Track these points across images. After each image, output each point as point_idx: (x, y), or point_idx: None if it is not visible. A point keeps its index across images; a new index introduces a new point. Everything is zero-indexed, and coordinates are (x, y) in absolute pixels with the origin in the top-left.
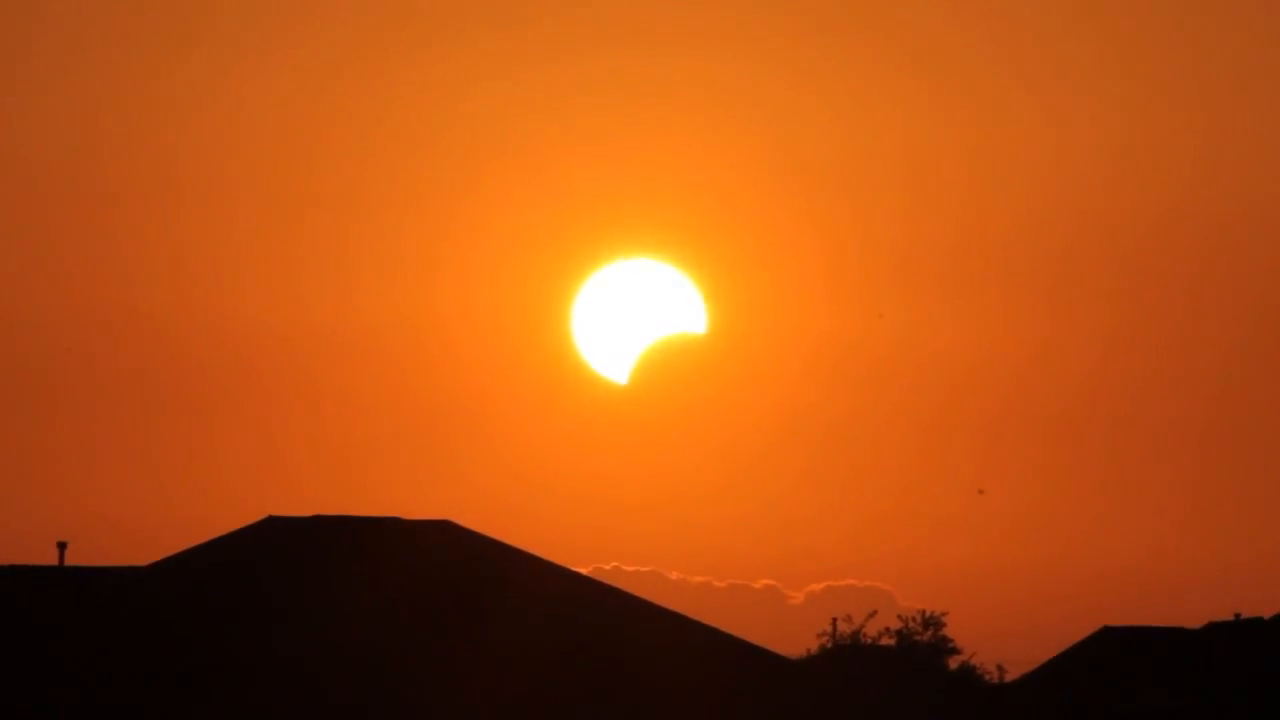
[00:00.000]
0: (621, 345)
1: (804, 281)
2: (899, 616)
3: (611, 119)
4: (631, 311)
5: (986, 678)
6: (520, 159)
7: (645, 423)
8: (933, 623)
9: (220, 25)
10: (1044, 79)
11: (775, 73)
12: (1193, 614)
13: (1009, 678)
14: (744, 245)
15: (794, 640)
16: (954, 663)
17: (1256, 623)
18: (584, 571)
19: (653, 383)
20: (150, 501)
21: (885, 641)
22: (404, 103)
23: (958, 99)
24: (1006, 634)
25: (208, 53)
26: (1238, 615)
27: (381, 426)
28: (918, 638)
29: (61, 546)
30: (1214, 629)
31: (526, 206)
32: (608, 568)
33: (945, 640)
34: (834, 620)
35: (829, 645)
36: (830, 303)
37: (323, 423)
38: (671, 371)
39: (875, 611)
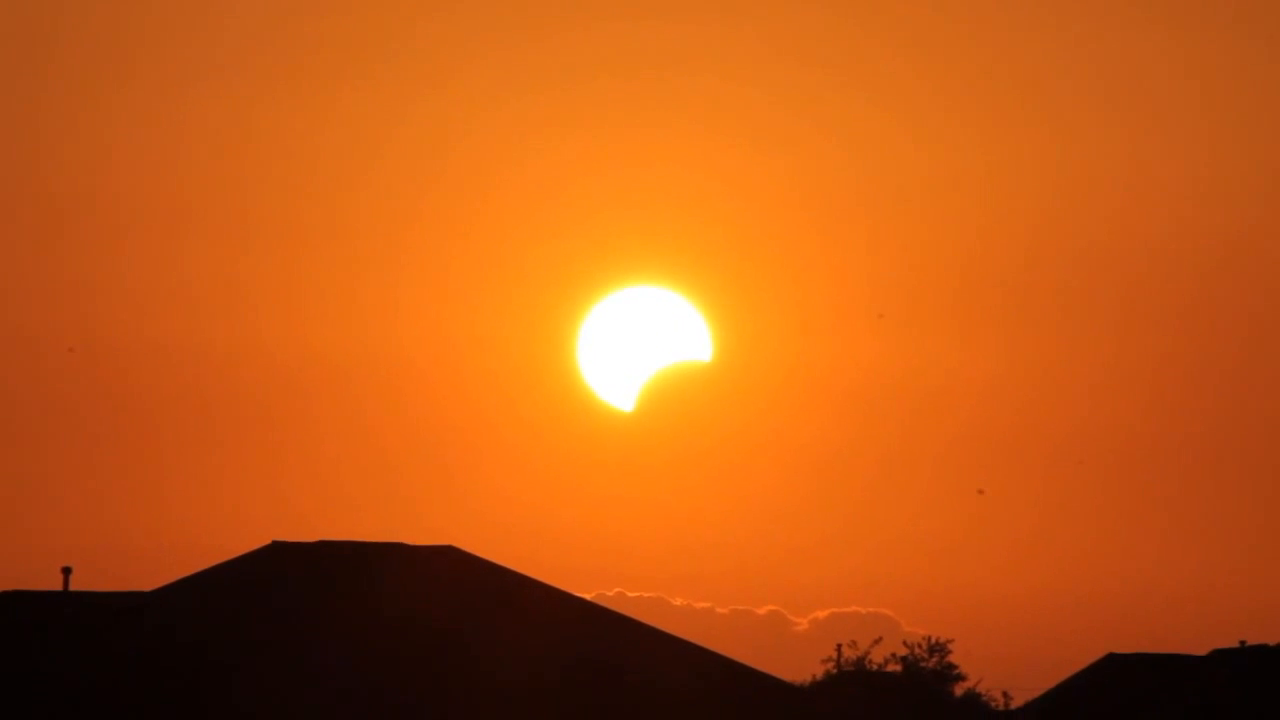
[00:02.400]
0: (627, 373)
1: (807, 310)
2: (904, 643)
3: (616, 146)
4: (637, 339)
5: (992, 704)
6: (526, 186)
7: (650, 450)
8: (938, 649)
9: (220, 48)
10: (1055, 103)
11: (781, 98)
12: (1198, 641)
13: (1014, 704)
14: (749, 273)
15: (799, 667)
16: (960, 689)
17: (1262, 650)
18: (588, 597)
19: (658, 410)
20: (155, 526)
21: (891, 668)
22: (411, 128)
23: (967, 125)
24: (1012, 661)
25: (209, 73)
26: (1243, 642)
27: (386, 452)
28: (923, 664)
29: (66, 571)
30: (1219, 656)
31: (532, 234)
32: (611, 594)
33: (951, 667)
34: (839, 647)
35: (834, 672)
36: (833, 330)
37: (328, 448)
38: (677, 399)
39: (880, 638)
